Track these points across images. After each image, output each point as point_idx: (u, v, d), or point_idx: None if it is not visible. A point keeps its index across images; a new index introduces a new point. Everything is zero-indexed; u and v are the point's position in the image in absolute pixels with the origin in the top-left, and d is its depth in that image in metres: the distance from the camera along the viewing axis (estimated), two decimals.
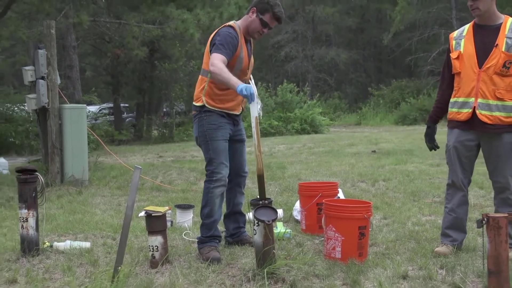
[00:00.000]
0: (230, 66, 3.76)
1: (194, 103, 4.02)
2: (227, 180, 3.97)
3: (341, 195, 5.03)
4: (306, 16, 32.40)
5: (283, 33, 31.79)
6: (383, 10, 34.75)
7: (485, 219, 3.12)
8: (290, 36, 31.75)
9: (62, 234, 4.74)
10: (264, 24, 3.87)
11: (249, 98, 3.47)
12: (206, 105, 3.91)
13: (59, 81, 7.82)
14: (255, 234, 3.40)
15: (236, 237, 4.23)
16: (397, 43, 29.12)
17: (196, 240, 4.07)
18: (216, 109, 3.91)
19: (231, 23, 3.96)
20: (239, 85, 3.49)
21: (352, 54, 33.43)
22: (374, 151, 11.15)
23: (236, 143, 4.11)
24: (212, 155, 3.93)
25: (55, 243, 4.21)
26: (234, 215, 4.24)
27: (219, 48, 3.73)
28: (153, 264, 3.65)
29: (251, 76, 3.91)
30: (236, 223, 4.25)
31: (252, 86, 3.58)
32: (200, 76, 3.99)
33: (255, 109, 3.49)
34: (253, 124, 3.51)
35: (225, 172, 3.93)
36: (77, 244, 4.19)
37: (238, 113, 4.05)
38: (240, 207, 4.25)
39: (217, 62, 3.64)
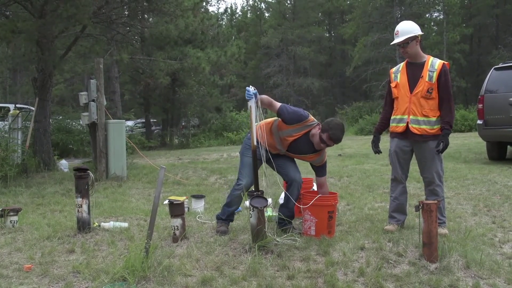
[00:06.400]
0: (282, 125, 3.75)
1: None
2: (245, 187, 3.84)
3: (315, 188, 5.02)
4: (289, 54, 32.34)
5: (272, 66, 31.79)
6: (346, 50, 34.86)
7: (421, 205, 3.15)
8: (277, 68, 31.69)
9: (107, 216, 4.74)
10: (322, 140, 3.71)
11: (248, 95, 3.57)
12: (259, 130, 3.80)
13: (105, 103, 7.79)
14: (251, 217, 3.39)
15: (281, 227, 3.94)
16: (356, 74, 29.11)
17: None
18: (259, 138, 3.77)
19: (312, 117, 3.78)
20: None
21: (323, 82, 33.40)
22: (340, 155, 11.16)
23: (279, 159, 3.97)
24: (240, 166, 3.95)
25: (102, 223, 4.21)
26: (282, 208, 4.00)
27: (286, 105, 3.77)
28: (174, 239, 3.66)
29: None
30: (280, 218, 3.93)
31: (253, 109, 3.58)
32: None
33: (252, 103, 3.59)
34: (249, 111, 3.63)
35: (244, 181, 3.82)
36: (118, 224, 4.19)
37: (271, 152, 3.90)
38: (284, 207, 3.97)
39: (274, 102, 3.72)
